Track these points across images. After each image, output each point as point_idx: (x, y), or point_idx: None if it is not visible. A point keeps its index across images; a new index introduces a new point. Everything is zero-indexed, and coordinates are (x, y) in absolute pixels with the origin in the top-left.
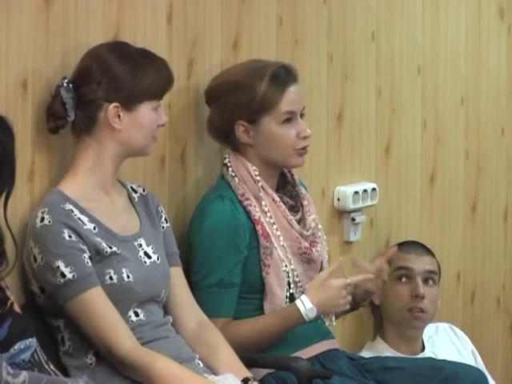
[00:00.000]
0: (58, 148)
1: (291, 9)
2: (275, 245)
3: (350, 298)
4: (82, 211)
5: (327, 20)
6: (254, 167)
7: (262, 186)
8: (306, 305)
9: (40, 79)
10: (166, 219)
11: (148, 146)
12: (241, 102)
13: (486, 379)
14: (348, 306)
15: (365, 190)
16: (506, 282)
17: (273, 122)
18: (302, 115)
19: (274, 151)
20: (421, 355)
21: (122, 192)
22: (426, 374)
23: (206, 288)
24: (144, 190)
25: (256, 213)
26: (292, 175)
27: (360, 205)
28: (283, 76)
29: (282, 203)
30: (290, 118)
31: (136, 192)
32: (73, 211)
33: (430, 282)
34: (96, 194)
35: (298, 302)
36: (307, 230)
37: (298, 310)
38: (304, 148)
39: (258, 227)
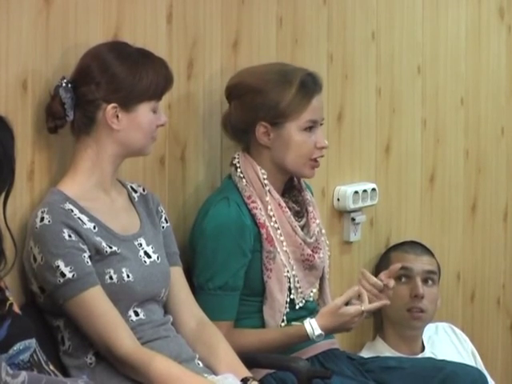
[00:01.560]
0: (57, 148)
1: (291, 9)
2: (278, 250)
3: (357, 323)
4: (82, 211)
5: (327, 20)
6: (263, 170)
7: (268, 190)
8: (314, 330)
9: (40, 79)
10: (166, 219)
11: (147, 146)
12: (267, 104)
13: (486, 379)
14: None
15: (365, 190)
16: (506, 281)
17: (295, 128)
18: (320, 124)
19: (290, 157)
20: (420, 355)
21: (122, 192)
22: (426, 374)
23: (211, 291)
24: (144, 190)
25: (261, 216)
26: (299, 180)
27: (360, 205)
28: (311, 85)
29: (287, 209)
30: (311, 127)
31: (136, 192)
32: (72, 211)
33: (430, 281)
34: (96, 193)
35: (307, 325)
36: (311, 237)
37: (307, 333)
38: (317, 160)
39: (263, 231)
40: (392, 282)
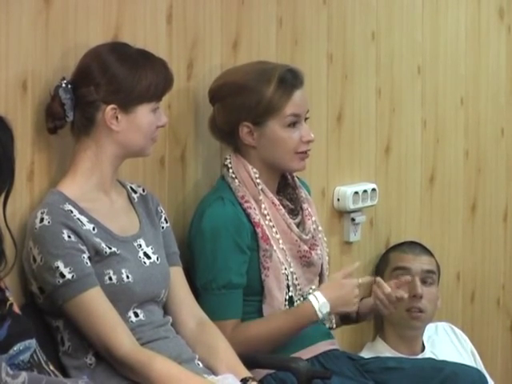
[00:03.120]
0: (57, 148)
1: (291, 9)
2: (275, 248)
3: (359, 299)
4: (82, 212)
5: (327, 20)
6: (255, 170)
7: (261, 189)
8: (319, 299)
9: (39, 79)
10: (165, 219)
11: (147, 147)
12: (247, 104)
13: (486, 380)
14: (356, 308)
15: (365, 191)
16: (506, 282)
17: (278, 125)
18: (305, 118)
19: (277, 154)
20: (421, 355)
21: (122, 192)
22: (426, 374)
23: (214, 291)
24: (144, 190)
25: (256, 215)
26: (293, 177)
27: (360, 205)
28: (290, 80)
29: (281, 206)
30: (294, 122)
31: (136, 192)
32: (72, 212)
33: (429, 281)
34: (95, 194)
35: (311, 297)
36: (306, 234)
37: (312, 305)
38: (305, 152)
39: (258, 230)
40: (405, 296)
